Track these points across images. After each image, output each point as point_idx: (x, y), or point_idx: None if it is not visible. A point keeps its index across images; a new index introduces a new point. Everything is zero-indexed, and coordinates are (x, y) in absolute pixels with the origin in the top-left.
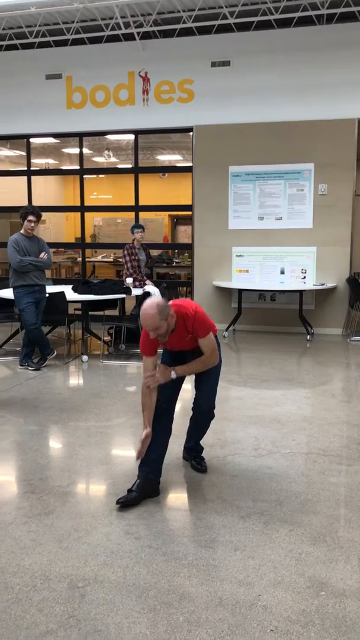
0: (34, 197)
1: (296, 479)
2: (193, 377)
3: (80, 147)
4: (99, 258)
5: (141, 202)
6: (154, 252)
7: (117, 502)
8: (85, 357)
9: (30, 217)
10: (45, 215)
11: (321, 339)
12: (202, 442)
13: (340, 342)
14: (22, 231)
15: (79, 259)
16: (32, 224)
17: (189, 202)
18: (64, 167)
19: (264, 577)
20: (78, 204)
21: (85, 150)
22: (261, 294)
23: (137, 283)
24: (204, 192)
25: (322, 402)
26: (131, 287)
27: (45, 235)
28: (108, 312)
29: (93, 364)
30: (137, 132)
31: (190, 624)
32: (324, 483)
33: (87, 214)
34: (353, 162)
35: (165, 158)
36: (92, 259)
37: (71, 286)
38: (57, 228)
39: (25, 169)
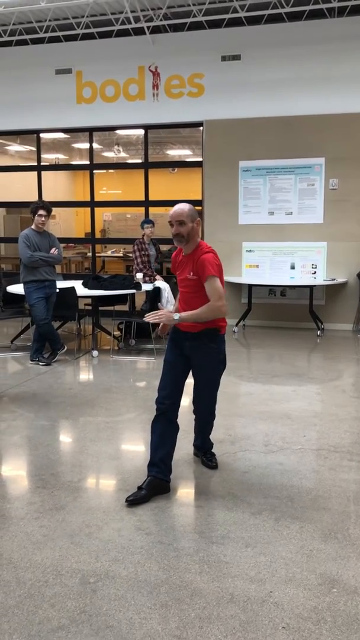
0: (44, 193)
1: (307, 475)
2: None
3: (90, 142)
4: (109, 253)
5: (151, 197)
6: (164, 248)
7: (127, 500)
8: (95, 352)
9: (41, 212)
10: (55, 211)
11: (331, 335)
12: (212, 437)
13: (351, 337)
14: (33, 226)
15: (89, 254)
16: (43, 219)
17: (199, 197)
18: (74, 162)
19: (275, 573)
20: (88, 199)
21: (95, 145)
22: (271, 289)
23: (147, 278)
24: (214, 187)
25: (333, 398)
26: (141, 283)
27: (55, 230)
28: (118, 307)
29: (103, 359)
30: (147, 127)
31: (202, 620)
32: (334, 479)
33: (97, 209)
34: None
35: (175, 153)
36: (102, 254)
37: (81, 281)
38: (67, 223)
39: (36, 164)
